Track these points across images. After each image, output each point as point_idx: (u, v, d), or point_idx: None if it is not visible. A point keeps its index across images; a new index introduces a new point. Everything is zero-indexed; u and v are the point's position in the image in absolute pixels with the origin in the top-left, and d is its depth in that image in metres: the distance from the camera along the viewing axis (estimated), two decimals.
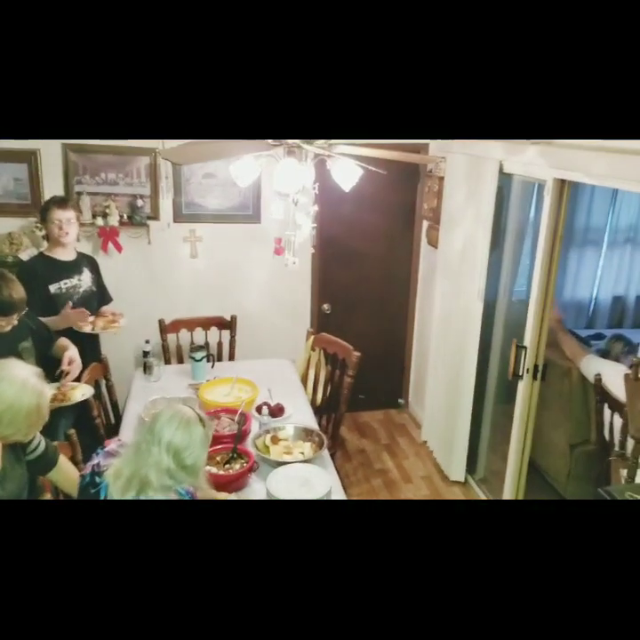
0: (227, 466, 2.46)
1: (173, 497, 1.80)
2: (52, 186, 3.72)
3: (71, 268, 3.24)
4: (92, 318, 3.20)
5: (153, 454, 1.78)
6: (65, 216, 3.11)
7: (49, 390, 1.90)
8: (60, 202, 3.15)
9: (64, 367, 2.73)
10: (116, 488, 1.79)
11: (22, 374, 1.82)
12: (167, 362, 3.83)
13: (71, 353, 2.81)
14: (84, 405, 2.78)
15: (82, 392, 2.67)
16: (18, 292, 2.40)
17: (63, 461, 2.16)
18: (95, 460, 1.90)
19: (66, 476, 2.14)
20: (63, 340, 2.89)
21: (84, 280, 3.28)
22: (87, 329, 3.13)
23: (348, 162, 2.45)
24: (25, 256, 3.59)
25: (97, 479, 1.87)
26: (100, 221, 3.74)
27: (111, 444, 1.96)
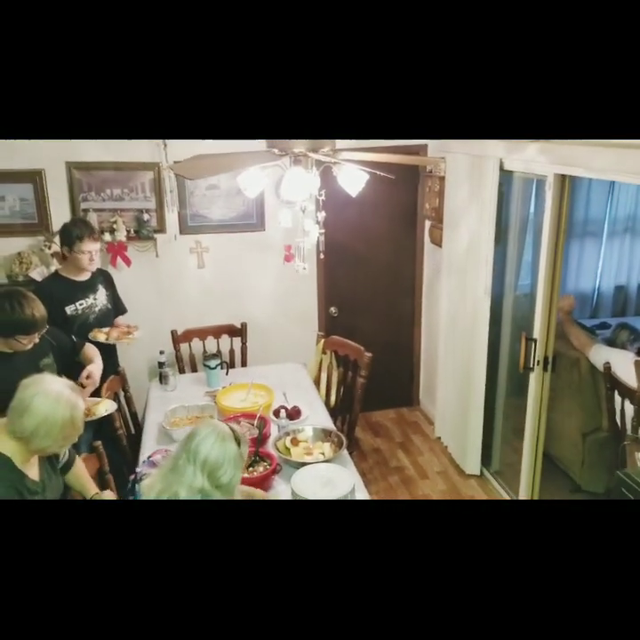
0: (250, 469, 2.52)
1: None
2: (59, 204, 3.78)
3: (86, 288, 3.27)
4: (107, 329, 3.26)
5: (187, 473, 1.80)
6: (95, 247, 3.15)
7: (82, 402, 1.95)
8: (92, 233, 3.13)
9: (82, 380, 2.78)
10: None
11: (56, 388, 1.87)
12: (181, 371, 3.89)
13: (91, 368, 2.83)
14: (105, 418, 2.83)
15: (105, 407, 2.72)
16: (39, 310, 2.44)
17: (77, 462, 2.23)
18: (139, 469, 1.94)
19: (78, 474, 2.22)
20: (90, 350, 2.92)
21: (100, 299, 3.32)
22: (101, 338, 3.19)
23: (353, 168, 2.51)
24: (35, 274, 3.64)
25: (136, 487, 1.92)
26: (107, 237, 3.78)
27: (157, 455, 1.99)
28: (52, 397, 1.84)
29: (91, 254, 3.14)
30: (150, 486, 1.85)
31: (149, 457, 1.98)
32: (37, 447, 1.87)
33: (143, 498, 1.86)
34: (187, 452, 1.83)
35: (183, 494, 1.78)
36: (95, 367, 2.86)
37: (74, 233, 3.12)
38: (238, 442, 1.90)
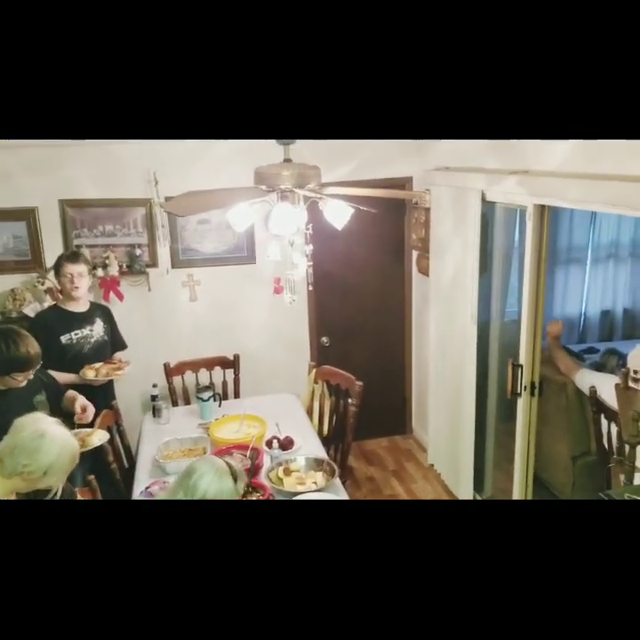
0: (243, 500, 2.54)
1: None
2: (52, 241, 3.86)
3: (83, 319, 3.35)
4: (98, 365, 3.30)
5: None
6: (76, 270, 3.24)
7: (75, 438, 1.98)
8: (71, 256, 3.30)
9: (79, 416, 2.81)
10: None
11: (56, 427, 1.92)
12: (174, 404, 3.91)
13: (82, 401, 2.88)
14: (99, 452, 2.85)
15: (98, 437, 2.74)
16: (34, 347, 2.49)
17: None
18: (138, 497, 1.94)
19: None
20: (71, 393, 2.97)
21: (96, 330, 3.39)
22: (91, 375, 3.22)
23: (338, 202, 2.58)
24: (28, 311, 3.69)
25: None
26: (100, 272, 3.84)
27: (154, 486, 2.00)
28: (58, 437, 1.88)
29: (71, 277, 3.24)
30: None
31: (147, 488, 2.00)
32: (45, 485, 1.89)
33: None
34: (184, 489, 1.84)
35: None
36: (83, 399, 2.90)
37: (57, 259, 3.32)
38: (235, 478, 1.92)
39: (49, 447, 1.84)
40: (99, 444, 2.74)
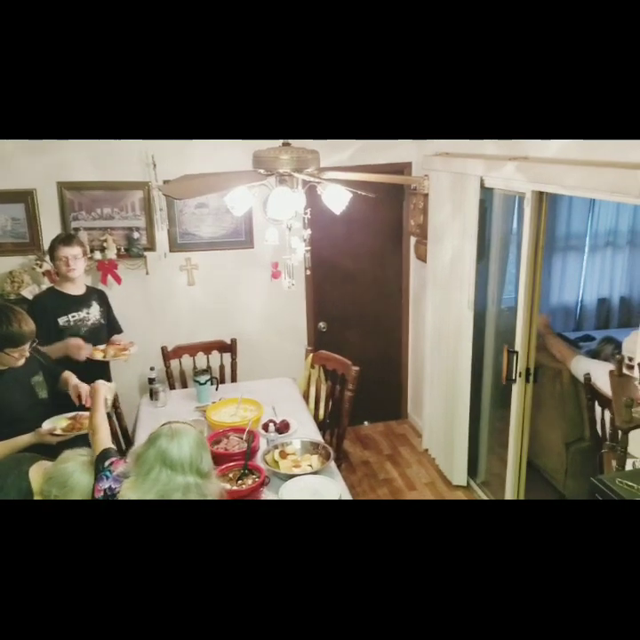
0: (239, 482, 2.57)
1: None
2: (50, 224, 3.85)
3: (80, 302, 3.38)
4: (103, 347, 3.33)
5: (177, 480, 1.83)
6: (71, 253, 3.25)
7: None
8: (66, 239, 3.30)
9: (78, 402, 2.81)
10: None
11: (90, 467, 1.97)
12: (171, 387, 3.93)
13: (74, 382, 2.86)
14: None
15: None
16: (27, 323, 2.49)
17: None
18: (106, 484, 1.93)
19: None
20: (66, 374, 2.96)
21: (93, 313, 3.42)
22: (99, 356, 3.26)
23: (337, 187, 2.58)
24: (26, 293, 3.70)
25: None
26: (98, 255, 3.85)
27: (119, 467, 1.99)
28: (88, 477, 1.94)
29: (66, 259, 3.24)
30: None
31: (111, 471, 1.97)
32: None
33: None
34: (167, 466, 1.84)
35: (178, 497, 1.82)
36: (75, 381, 2.88)
37: (52, 242, 3.31)
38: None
39: (74, 485, 1.91)
40: None
